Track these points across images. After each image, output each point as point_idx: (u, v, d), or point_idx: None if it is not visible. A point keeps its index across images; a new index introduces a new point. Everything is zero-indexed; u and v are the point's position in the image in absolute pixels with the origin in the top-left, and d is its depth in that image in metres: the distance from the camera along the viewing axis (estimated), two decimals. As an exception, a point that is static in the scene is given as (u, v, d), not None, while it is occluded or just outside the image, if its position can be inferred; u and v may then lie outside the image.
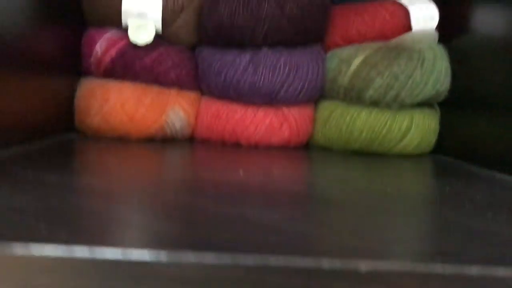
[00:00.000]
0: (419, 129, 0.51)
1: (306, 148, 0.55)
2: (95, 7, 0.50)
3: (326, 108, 0.53)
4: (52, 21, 0.46)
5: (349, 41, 0.53)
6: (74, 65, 0.52)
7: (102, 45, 0.50)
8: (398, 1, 0.51)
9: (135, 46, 0.50)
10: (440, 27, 0.52)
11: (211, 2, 0.50)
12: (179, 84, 0.52)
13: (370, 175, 0.45)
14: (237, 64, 0.49)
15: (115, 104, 0.49)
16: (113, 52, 0.50)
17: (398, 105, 0.49)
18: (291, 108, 0.51)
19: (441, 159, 0.53)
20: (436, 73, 0.49)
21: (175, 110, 0.51)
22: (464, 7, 0.51)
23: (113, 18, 0.50)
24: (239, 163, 0.47)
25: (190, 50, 0.54)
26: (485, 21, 0.48)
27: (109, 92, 0.49)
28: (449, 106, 0.53)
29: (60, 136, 0.49)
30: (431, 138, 0.53)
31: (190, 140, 0.54)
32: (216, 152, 0.51)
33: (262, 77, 0.49)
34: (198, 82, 0.53)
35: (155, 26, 0.49)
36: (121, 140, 0.50)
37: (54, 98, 0.48)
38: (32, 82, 0.42)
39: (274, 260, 0.18)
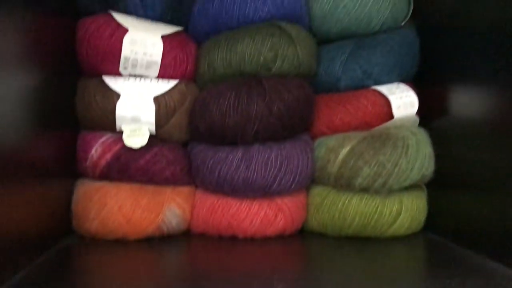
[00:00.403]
0: (409, 211, 0.53)
1: (301, 233, 0.56)
2: (90, 112, 0.52)
3: (318, 194, 0.55)
4: (48, 128, 0.47)
5: (334, 130, 0.55)
6: (70, 168, 0.53)
7: (97, 149, 0.51)
8: (378, 90, 0.54)
9: (130, 149, 0.51)
10: (420, 111, 0.55)
11: (202, 104, 0.52)
12: (173, 181, 0.54)
13: (364, 265, 0.46)
14: (230, 161, 0.51)
15: (112, 207, 0.50)
16: (108, 156, 0.51)
17: (387, 191, 0.51)
18: (284, 198, 0.53)
19: (431, 239, 0.54)
20: (421, 159, 0.52)
21: (171, 208, 0.52)
22: (442, 91, 0.54)
23: (107, 123, 0.52)
24: (236, 258, 0.49)
25: (183, 146, 0.56)
26: (462, 103, 0.51)
27: (106, 196, 0.50)
28: (435, 186, 0.55)
29: (59, 242, 0.49)
30: (421, 217, 0.55)
31: (187, 234, 0.55)
32: (213, 246, 0.52)
33: (255, 173, 0.50)
34: (192, 178, 0.55)
35: (149, 129, 0.51)
36: (119, 241, 0.51)
37: (51, 204, 0.49)
38: (29, 190, 0.43)
39: None
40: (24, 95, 0.41)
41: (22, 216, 0.41)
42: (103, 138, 0.52)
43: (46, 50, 0.46)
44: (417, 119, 0.56)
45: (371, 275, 0.43)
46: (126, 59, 0.50)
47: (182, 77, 0.54)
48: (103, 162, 0.51)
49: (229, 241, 0.53)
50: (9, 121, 0.38)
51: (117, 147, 0.51)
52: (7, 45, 0.37)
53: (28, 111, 0.42)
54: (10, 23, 0.38)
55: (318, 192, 0.55)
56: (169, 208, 0.52)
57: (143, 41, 0.50)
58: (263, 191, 0.51)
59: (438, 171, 0.54)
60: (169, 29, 0.52)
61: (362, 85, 0.55)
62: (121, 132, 0.52)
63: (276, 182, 0.51)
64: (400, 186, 0.52)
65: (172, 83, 0.53)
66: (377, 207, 0.52)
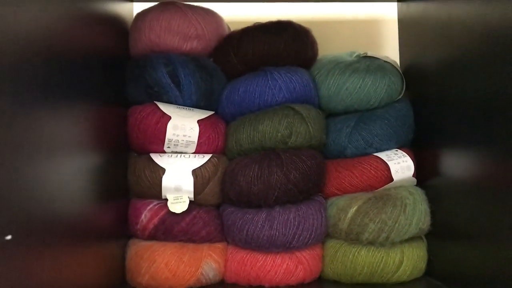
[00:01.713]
0: (410, 260, 0.62)
1: (318, 280, 0.65)
2: (140, 184, 0.63)
3: (332, 247, 0.64)
4: (106, 198, 0.58)
5: (343, 191, 0.65)
6: (123, 231, 0.64)
7: (146, 215, 0.62)
8: (379, 157, 0.64)
9: (173, 214, 0.62)
10: (417, 172, 0.65)
11: (231, 174, 0.63)
12: (209, 239, 0.64)
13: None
14: (256, 222, 0.61)
15: (160, 263, 0.60)
16: (155, 220, 0.62)
17: (390, 243, 0.61)
18: (303, 251, 0.63)
19: (431, 284, 0.63)
20: (417, 215, 0.61)
21: (208, 262, 0.62)
22: (435, 154, 0.63)
23: (154, 192, 0.63)
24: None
25: (216, 208, 0.66)
26: (453, 164, 0.60)
27: (154, 254, 0.61)
28: (433, 237, 0.64)
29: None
30: (421, 265, 0.64)
31: (222, 284, 0.65)
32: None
33: (277, 231, 0.60)
34: (224, 235, 0.65)
35: (188, 197, 0.62)
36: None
37: (109, 261, 0.59)
38: (91, 250, 0.53)
39: None
40: (88, 172, 0.51)
41: (86, 271, 0.50)
42: (151, 205, 0.63)
43: (104, 134, 0.57)
44: (414, 180, 0.65)
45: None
46: (170, 140, 0.62)
47: (214, 152, 0.65)
48: (151, 225, 0.62)
49: (257, 289, 0.62)
50: (76, 194, 0.47)
51: (162, 213, 0.62)
52: (74, 131, 0.46)
53: (91, 185, 0.52)
54: (75, 113, 0.46)
55: (331, 245, 0.64)
56: (206, 262, 0.62)
57: (183, 126, 0.62)
58: (284, 246, 0.61)
59: (434, 224, 0.63)
60: (203, 114, 0.64)
61: (365, 153, 0.65)
62: (165, 200, 0.62)
63: (295, 239, 0.61)
64: (401, 239, 0.61)
65: (206, 157, 0.64)
66: (382, 258, 0.61)
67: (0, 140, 0.30)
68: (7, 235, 0.30)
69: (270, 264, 0.62)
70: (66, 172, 0.43)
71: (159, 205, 0.63)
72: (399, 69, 0.70)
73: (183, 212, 0.62)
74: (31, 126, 0.35)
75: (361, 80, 0.64)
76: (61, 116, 0.42)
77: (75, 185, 0.47)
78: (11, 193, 0.31)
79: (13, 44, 0.32)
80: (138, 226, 0.63)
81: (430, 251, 0.65)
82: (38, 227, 0.36)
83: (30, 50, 0.35)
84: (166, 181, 0.62)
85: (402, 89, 0.68)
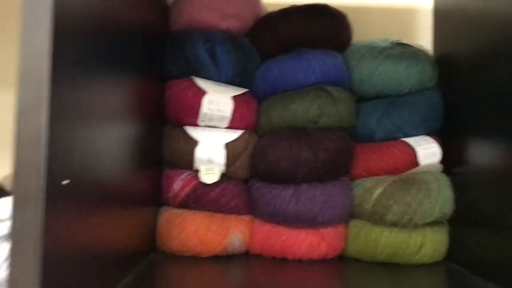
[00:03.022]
0: (432, 243, 0.63)
1: (340, 258, 0.68)
2: (174, 154, 0.66)
3: (355, 226, 0.66)
4: (142, 167, 0.61)
5: (370, 173, 0.67)
6: (156, 198, 0.67)
7: (179, 184, 0.65)
8: (407, 142, 0.65)
9: (204, 184, 0.65)
10: (443, 159, 0.66)
11: (261, 150, 0.65)
12: (236, 211, 0.66)
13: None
14: (283, 197, 0.63)
15: (189, 230, 0.63)
16: (187, 189, 0.65)
17: (413, 225, 0.62)
18: (327, 228, 0.65)
19: (452, 268, 0.64)
20: (441, 200, 0.62)
21: (235, 233, 0.65)
22: (462, 143, 0.65)
23: (187, 163, 0.66)
24: (286, 275, 0.61)
25: (244, 182, 0.69)
26: (479, 153, 0.61)
27: (185, 221, 0.64)
28: (455, 223, 0.65)
29: (147, 257, 0.63)
30: (442, 249, 0.65)
31: (246, 254, 0.68)
32: (267, 265, 0.64)
33: (303, 207, 0.62)
34: (251, 208, 0.67)
35: (220, 169, 0.65)
36: (193, 258, 0.64)
37: (142, 226, 0.62)
38: (127, 216, 0.56)
39: None
40: (128, 141, 0.54)
41: (122, 235, 0.53)
42: (183, 175, 0.66)
43: (143, 105, 0.59)
44: (440, 167, 0.67)
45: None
46: (204, 114, 0.65)
47: (245, 128, 0.68)
48: (182, 193, 0.65)
49: (280, 261, 0.65)
50: (117, 161, 0.50)
51: (194, 182, 0.65)
52: (118, 101, 0.49)
53: (129, 153, 0.55)
54: (119, 84, 0.49)
55: (355, 224, 0.66)
56: (233, 232, 0.64)
57: (218, 101, 0.64)
58: (309, 222, 0.63)
59: (457, 210, 0.64)
60: (237, 91, 0.66)
61: (393, 137, 0.66)
62: (197, 171, 0.65)
63: (320, 215, 0.63)
64: (424, 222, 0.62)
65: (238, 132, 0.66)
66: (404, 239, 0.62)
67: (61, 107, 0.32)
68: (65, 183, 0.33)
69: (294, 239, 0.64)
70: (110, 139, 0.46)
71: (191, 175, 0.66)
72: (431, 58, 0.71)
73: (213, 183, 0.65)
74: (86, 94, 0.38)
75: (394, 66, 0.66)
76: (108, 86, 0.45)
77: (117, 152, 0.50)
78: (67, 155, 0.34)
79: (70, 19, 0.35)
80: (170, 194, 0.66)
81: (451, 236, 0.66)
82: (85, 189, 0.39)
83: (86, 26, 0.38)
84: (199, 153, 0.65)
85: (433, 77, 0.69)
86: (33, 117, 0.30)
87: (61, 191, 0.33)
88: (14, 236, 0.30)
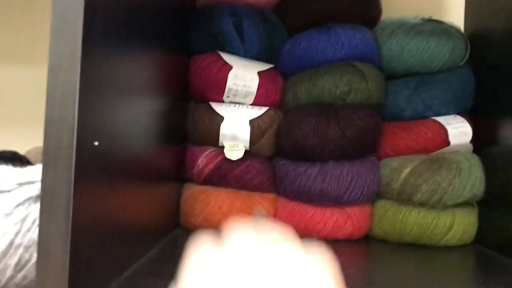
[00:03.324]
0: (461, 225, 0.62)
1: (366, 238, 0.66)
2: (198, 130, 0.66)
3: (382, 206, 0.65)
4: (167, 142, 0.60)
5: (398, 153, 0.65)
6: (180, 174, 0.67)
7: (203, 160, 0.65)
8: (437, 121, 0.63)
9: (228, 161, 0.64)
10: (473, 139, 0.64)
11: (287, 127, 0.64)
12: (261, 188, 0.66)
13: (420, 268, 0.56)
14: (308, 174, 0.62)
15: (213, 207, 0.63)
16: (211, 165, 0.64)
17: (442, 206, 0.61)
18: (353, 208, 0.63)
19: (481, 251, 0.62)
20: (472, 180, 0.60)
21: (259, 210, 0.64)
22: (494, 122, 0.63)
23: (212, 139, 0.65)
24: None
25: (269, 160, 0.68)
26: (511, 133, 0.60)
27: (209, 198, 0.63)
28: (485, 204, 0.63)
29: (171, 232, 0.63)
30: (472, 231, 0.63)
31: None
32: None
33: (329, 185, 0.61)
34: (275, 186, 0.67)
35: (244, 146, 0.64)
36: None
37: (167, 202, 0.62)
38: (153, 191, 0.56)
39: None
40: (153, 115, 0.53)
41: (146, 210, 0.53)
42: (208, 151, 0.65)
43: (167, 80, 0.59)
44: (471, 146, 0.65)
45: (425, 277, 0.52)
46: (229, 90, 0.64)
47: (271, 105, 0.66)
48: (207, 170, 0.64)
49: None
50: (143, 136, 0.50)
51: (218, 159, 0.64)
52: (143, 76, 0.48)
53: (154, 128, 0.54)
54: (144, 59, 0.49)
55: (382, 204, 0.65)
56: (257, 209, 0.64)
57: (244, 76, 0.63)
58: (335, 200, 0.62)
59: (488, 192, 0.62)
60: (263, 66, 0.65)
61: (423, 116, 0.65)
62: (222, 147, 0.64)
63: (347, 194, 0.62)
64: (454, 202, 0.61)
65: (263, 109, 0.65)
66: (433, 219, 0.61)
67: (90, 81, 0.32)
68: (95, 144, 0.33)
69: (320, 217, 0.63)
70: (136, 111, 0.46)
71: (215, 151, 0.65)
72: (463, 34, 0.68)
73: (238, 160, 0.64)
74: (113, 69, 0.37)
75: (425, 42, 0.64)
76: (134, 59, 0.44)
77: (142, 125, 0.49)
78: (97, 117, 0.33)
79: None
80: (195, 171, 0.65)
81: (481, 218, 0.64)
82: (113, 156, 0.38)
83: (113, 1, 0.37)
84: (224, 129, 0.64)
85: (465, 55, 0.67)
86: (67, 72, 0.29)
87: (91, 153, 0.32)
88: (44, 196, 0.30)
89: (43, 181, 0.29)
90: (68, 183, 0.29)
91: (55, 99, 0.29)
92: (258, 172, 0.65)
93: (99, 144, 0.32)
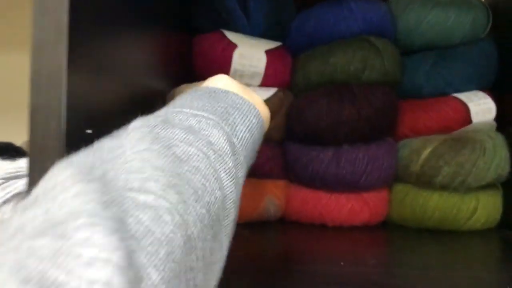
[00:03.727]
0: (485, 208, 0.58)
1: (383, 224, 0.63)
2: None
3: (400, 191, 0.61)
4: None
5: (417, 133, 0.61)
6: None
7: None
8: (458, 98, 0.59)
9: (236, 146, 0.60)
10: (498, 117, 0.60)
11: (298, 109, 0.60)
12: (271, 175, 0.62)
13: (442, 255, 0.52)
14: (322, 159, 0.59)
15: (222, 195, 0.59)
16: (218, 152, 0.60)
17: (465, 188, 0.57)
18: (369, 193, 0.60)
19: (506, 235, 0.59)
20: (497, 160, 0.56)
21: (270, 198, 0.60)
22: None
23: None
24: (326, 242, 0.56)
25: (279, 144, 0.64)
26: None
27: (217, 186, 0.59)
28: (510, 186, 0.59)
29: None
30: (496, 214, 0.60)
31: (281, 221, 0.63)
32: (305, 232, 0.60)
33: (344, 170, 0.57)
34: (287, 172, 0.63)
35: (253, 130, 0.60)
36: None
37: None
38: None
39: None
40: (153, 101, 0.49)
41: None
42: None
43: (169, 62, 0.55)
44: (495, 124, 0.60)
45: (448, 262, 0.49)
46: (235, 70, 0.59)
47: (280, 86, 0.62)
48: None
49: (319, 228, 0.61)
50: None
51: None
52: (140, 57, 0.45)
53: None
54: (147, 39, 0.46)
55: (400, 188, 0.61)
56: (268, 197, 0.60)
57: (250, 56, 0.59)
58: (350, 186, 0.58)
59: (513, 172, 0.58)
60: (271, 44, 0.61)
61: (443, 93, 0.60)
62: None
63: (363, 178, 0.58)
64: (478, 184, 0.57)
65: (272, 90, 0.61)
66: (456, 203, 0.57)
67: (79, 61, 0.28)
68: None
69: (334, 203, 0.59)
70: (135, 98, 0.42)
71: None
72: (485, 5, 0.64)
73: (246, 145, 0.60)
74: (106, 48, 0.33)
75: (444, 13, 0.59)
76: (131, 40, 0.40)
77: (142, 112, 0.45)
78: (89, 103, 0.30)
79: None
80: (200, 158, 0.61)
81: (506, 200, 0.60)
82: None
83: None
84: (231, 113, 0.60)
85: (487, 26, 0.62)
86: (52, 52, 0.25)
87: (84, 142, 0.29)
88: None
89: (30, 175, 0.26)
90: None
91: (40, 82, 0.25)
92: (268, 157, 0.61)
93: (93, 132, 0.29)
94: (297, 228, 0.61)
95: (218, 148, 0.27)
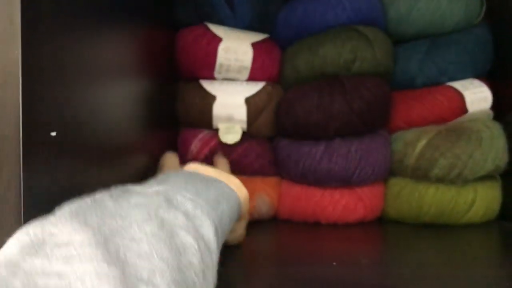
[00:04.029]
0: (483, 200, 0.56)
1: (379, 220, 0.61)
2: (190, 112, 0.60)
3: (396, 185, 0.59)
4: (155, 127, 0.55)
5: (411, 124, 0.59)
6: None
7: (196, 145, 0.59)
8: (453, 87, 0.57)
9: (224, 144, 0.58)
10: (494, 105, 0.58)
11: (287, 103, 0.57)
12: (262, 172, 0.60)
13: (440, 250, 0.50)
14: (313, 154, 0.56)
15: (211, 195, 0.57)
16: (206, 150, 0.58)
17: (462, 181, 0.55)
18: (363, 188, 0.58)
19: (506, 228, 0.57)
20: (494, 151, 0.54)
21: (261, 197, 0.58)
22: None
23: (205, 121, 0.59)
24: (320, 241, 0.54)
25: (269, 140, 0.62)
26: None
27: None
28: (510, 177, 0.57)
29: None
30: (495, 206, 0.58)
31: (274, 220, 0.61)
32: (298, 230, 0.58)
33: (337, 165, 0.55)
34: (278, 169, 0.61)
35: (241, 127, 0.58)
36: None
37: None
38: (138, 178, 0.50)
39: None
40: (135, 99, 0.47)
41: None
42: (201, 135, 0.59)
43: (152, 59, 0.53)
44: (491, 113, 0.58)
45: (446, 259, 0.47)
46: (221, 65, 0.57)
47: (268, 80, 0.60)
48: (201, 155, 0.58)
49: (313, 226, 0.58)
50: (124, 123, 0.44)
51: (213, 143, 0.58)
52: (120, 55, 0.43)
53: (139, 112, 0.48)
54: (123, 35, 0.43)
55: (395, 182, 0.59)
56: (260, 196, 0.58)
57: (236, 49, 0.56)
58: (344, 181, 0.56)
59: (511, 162, 0.56)
60: (257, 37, 0.58)
61: (437, 82, 0.58)
62: (216, 130, 0.58)
63: (356, 173, 0.56)
64: (475, 176, 0.55)
65: (260, 85, 0.59)
66: (453, 196, 0.55)
67: (48, 65, 0.25)
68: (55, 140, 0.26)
69: (328, 200, 0.57)
70: (113, 96, 0.40)
71: (209, 134, 0.59)
72: (478, -11, 0.61)
73: (235, 143, 0.58)
74: (78, 50, 0.31)
75: (435, 0, 0.57)
76: (107, 39, 0.38)
77: (121, 112, 0.43)
78: (59, 112, 0.27)
79: None
80: (188, 157, 0.59)
81: (505, 192, 0.58)
82: (82, 155, 0.32)
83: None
84: (217, 110, 0.58)
85: (481, 11, 0.60)
86: (5, 47, 0.23)
87: (48, 146, 0.26)
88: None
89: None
90: (15, 189, 0.23)
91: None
92: (258, 154, 0.59)
93: (57, 134, 0.26)
94: (290, 227, 0.59)
95: (206, 239, 0.29)
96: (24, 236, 0.20)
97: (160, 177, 0.38)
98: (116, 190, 0.29)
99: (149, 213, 0.26)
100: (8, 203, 0.22)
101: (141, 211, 0.26)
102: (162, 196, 0.30)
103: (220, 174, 0.43)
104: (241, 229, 0.48)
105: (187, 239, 0.26)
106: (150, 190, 0.31)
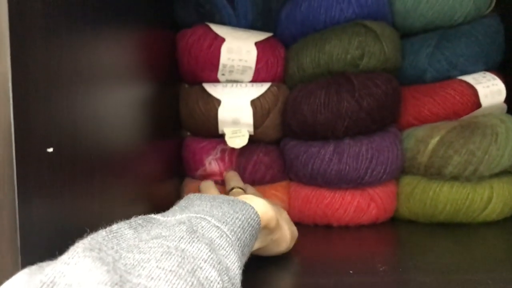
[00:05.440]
0: (500, 197, 0.54)
1: (392, 221, 0.59)
2: (193, 117, 0.58)
3: (409, 183, 0.57)
4: (158, 134, 0.53)
5: (422, 121, 0.57)
6: (178, 169, 0.59)
7: (212, 164, 0.57)
8: (465, 80, 0.55)
9: (238, 163, 0.57)
10: (508, 98, 0.56)
11: (294, 103, 0.56)
12: (273, 181, 0.58)
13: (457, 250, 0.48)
14: (322, 155, 0.55)
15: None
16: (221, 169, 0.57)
17: (478, 178, 0.53)
18: (375, 188, 0.56)
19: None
20: (510, 146, 0.52)
21: (272, 200, 0.56)
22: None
23: (210, 126, 0.57)
24: (333, 244, 0.52)
25: (276, 146, 0.60)
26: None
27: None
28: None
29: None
30: (513, 202, 0.56)
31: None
32: (310, 233, 0.56)
33: (347, 165, 0.53)
34: (286, 171, 0.59)
35: (248, 130, 0.56)
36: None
37: (160, 199, 0.55)
38: (142, 191, 0.48)
39: None
40: (135, 105, 0.45)
41: (143, 209, 0.46)
42: (214, 152, 0.58)
43: (152, 62, 0.51)
44: (505, 107, 0.56)
45: (469, 263, 0.45)
46: (224, 66, 0.55)
47: (273, 80, 0.58)
48: (217, 178, 0.57)
49: (324, 229, 0.57)
50: (124, 132, 0.42)
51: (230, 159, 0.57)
52: (118, 59, 0.41)
53: (141, 121, 0.47)
54: (121, 38, 0.41)
55: (408, 181, 0.57)
56: (270, 200, 0.56)
57: (239, 49, 0.55)
58: (355, 182, 0.54)
59: (528, 156, 0.54)
60: (260, 36, 0.56)
61: (448, 76, 0.56)
62: (223, 135, 0.57)
63: (368, 174, 0.54)
64: (491, 172, 0.53)
65: (265, 86, 0.57)
66: (468, 194, 0.53)
67: (41, 75, 0.24)
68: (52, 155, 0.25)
69: (339, 202, 0.55)
70: (112, 103, 0.38)
71: (222, 148, 0.58)
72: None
73: (244, 159, 0.57)
74: (74, 56, 0.29)
75: (444, -9, 0.55)
76: (104, 43, 0.36)
77: (122, 121, 0.41)
78: (56, 125, 0.26)
79: None
80: (199, 172, 0.58)
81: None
82: (85, 158, 0.31)
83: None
84: (223, 114, 0.56)
85: (491, 1, 0.58)
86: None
87: (45, 163, 0.24)
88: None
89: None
90: (11, 208, 0.21)
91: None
92: (267, 166, 0.58)
93: (54, 150, 0.24)
94: (300, 231, 0.57)
95: (232, 274, 0.28)
96: (35, 277, 0.19)
97: (183, 202, 0.36)
98: (137, 219, 0.28)
99: (169, 246, 0.25)
100: (4, 234, 0.21)
101: (161, 244, 0.25)
102: (185, 225, 0.28)
103: (246, 197, 0.40)
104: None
105: (211, 273, 0.25)
106: (172, 218, 0.30)
